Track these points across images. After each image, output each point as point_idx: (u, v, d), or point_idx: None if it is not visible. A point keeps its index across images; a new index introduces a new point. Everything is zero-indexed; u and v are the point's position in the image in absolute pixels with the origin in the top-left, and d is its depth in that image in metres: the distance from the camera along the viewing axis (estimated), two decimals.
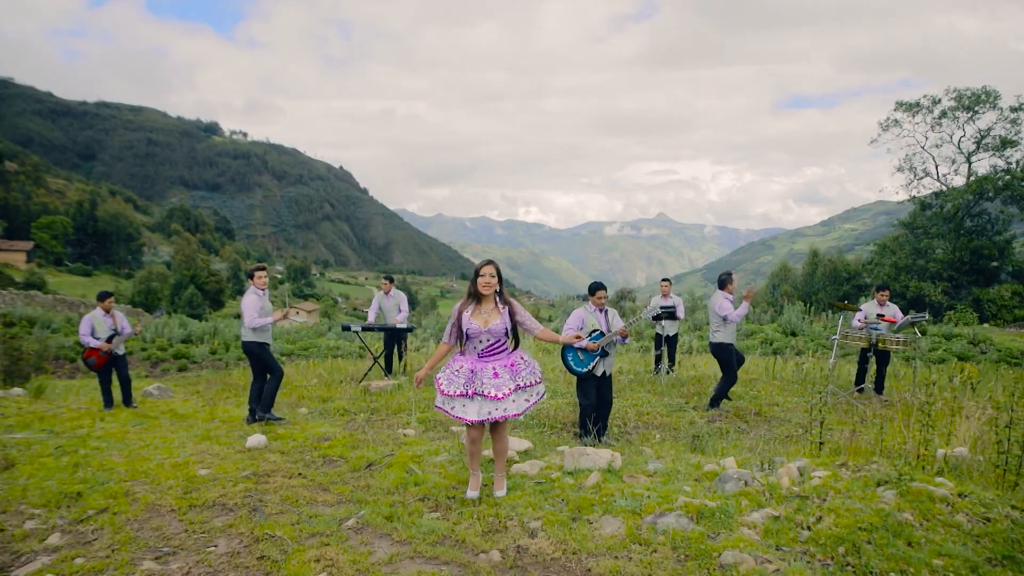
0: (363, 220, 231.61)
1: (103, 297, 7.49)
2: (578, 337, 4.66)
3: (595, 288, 5.41)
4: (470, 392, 3.54)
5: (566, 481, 3.90)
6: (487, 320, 3.58)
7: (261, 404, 6.35)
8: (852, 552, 2.76)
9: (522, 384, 3.61)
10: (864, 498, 3.28)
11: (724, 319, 6.92)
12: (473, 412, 3.52)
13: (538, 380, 3.70)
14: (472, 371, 3.58)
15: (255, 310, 6.26)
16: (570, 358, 5.41)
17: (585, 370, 5.39)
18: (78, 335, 7.49)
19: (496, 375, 3.56)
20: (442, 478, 4.10)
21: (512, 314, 3.63)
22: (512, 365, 3.63)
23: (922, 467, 3.97)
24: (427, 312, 39.40)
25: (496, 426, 3.69)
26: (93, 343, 7.26)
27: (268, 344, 6.48)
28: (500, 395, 3.50)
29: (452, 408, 3.58)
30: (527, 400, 3.63)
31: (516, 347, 3.73)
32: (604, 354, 5.39)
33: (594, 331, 5.34)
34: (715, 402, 7.03)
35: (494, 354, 3.63)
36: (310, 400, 7.88)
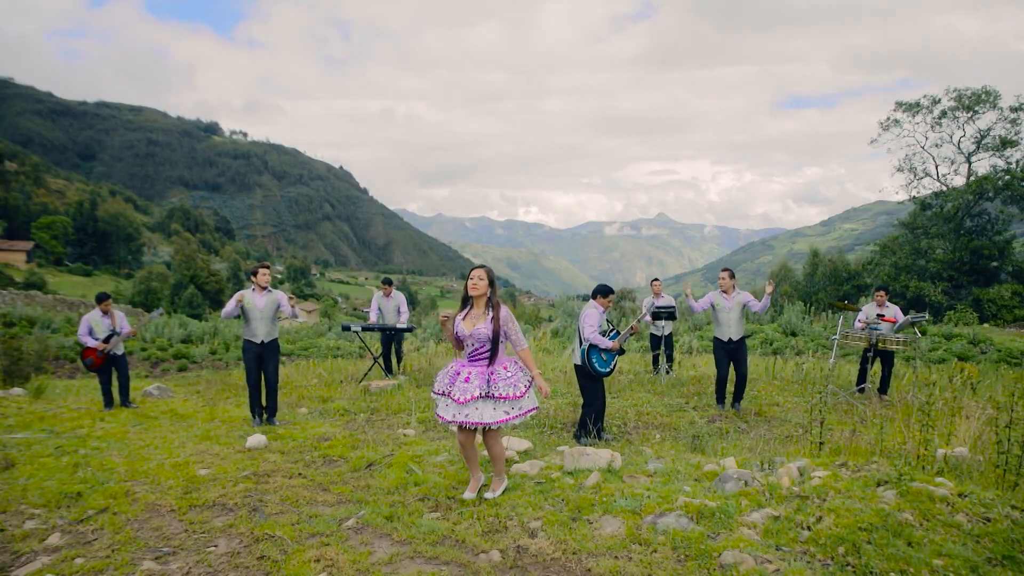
0: (363, 220, 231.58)
1: (101, 299, 7.63)
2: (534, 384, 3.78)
3: (608, 291, 5.54)
4: (448, 392, 3.63)
5: (566, 481, 3.90)
6: (473, 324, 3.62)
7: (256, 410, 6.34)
8: (852, 552, 2.76)
9: (494, 394, 3.54)
10: (864, 498, 3.28)
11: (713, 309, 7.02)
12: (448, 412, 3.60)
13: (519, 394, 3.57)
14: (457, 373, 3.66)
15: (229, 302, 6.14)
16: (595, 360, 5.41)
17: (609, 369, 5.46)
18: (77, 335, 7.62)
19: (467, 380, 3.57)
20: (442, 478, 4.10)
21: (495, 320, 3.59)
22: (491, 374, 3.60)
23: (922, 467, 3.97)
24: (427, 312, 39.39)
25: (485, 432, 3.68)
26: (91, 343, 7.37)
27: (253, 342, 6.19)
28: (462, 399, 3.52)
29: (437, 405, 3.73)
30: (506, 412, 3.55)
31: (495, 355, 3.63)
32: (622, 352, 5.56)
33: (612, 330, 5.49)
34: (736, 400, 7.03)
35: (478, 359, 3.64)
36: (310, 400, 7.89)
